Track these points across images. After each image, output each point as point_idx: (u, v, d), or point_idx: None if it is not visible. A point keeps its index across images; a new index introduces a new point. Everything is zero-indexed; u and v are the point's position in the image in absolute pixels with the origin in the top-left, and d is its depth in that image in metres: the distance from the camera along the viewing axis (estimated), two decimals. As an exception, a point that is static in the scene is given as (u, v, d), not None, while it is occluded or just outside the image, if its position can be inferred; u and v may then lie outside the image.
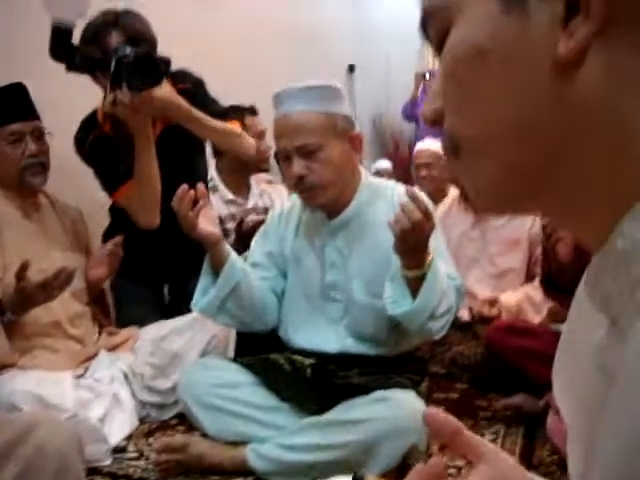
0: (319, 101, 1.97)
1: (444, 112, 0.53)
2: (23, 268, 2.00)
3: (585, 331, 0.54)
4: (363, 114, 5.69)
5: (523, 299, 2.70)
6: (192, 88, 2.48)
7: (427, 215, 1.71)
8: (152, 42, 2.38)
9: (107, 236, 2.66)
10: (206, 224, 1.96)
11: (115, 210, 2.68)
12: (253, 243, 2.27)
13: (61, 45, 2.20)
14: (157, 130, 2.47)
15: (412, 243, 1.75)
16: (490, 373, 2.46)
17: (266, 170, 3.63)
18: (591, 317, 0.51)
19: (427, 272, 1.79)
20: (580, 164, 0.46)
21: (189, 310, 2.41)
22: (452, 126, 0.52)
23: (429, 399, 2.08)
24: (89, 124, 2.55)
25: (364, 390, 1.91)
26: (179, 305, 2.61)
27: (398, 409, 1.83)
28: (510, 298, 2.70)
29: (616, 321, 0.47)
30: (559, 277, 2.36)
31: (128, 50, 2.19)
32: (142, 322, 2.54)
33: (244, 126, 3.20)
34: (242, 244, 2.77)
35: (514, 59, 0.46)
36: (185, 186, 1.92)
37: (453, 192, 3.63)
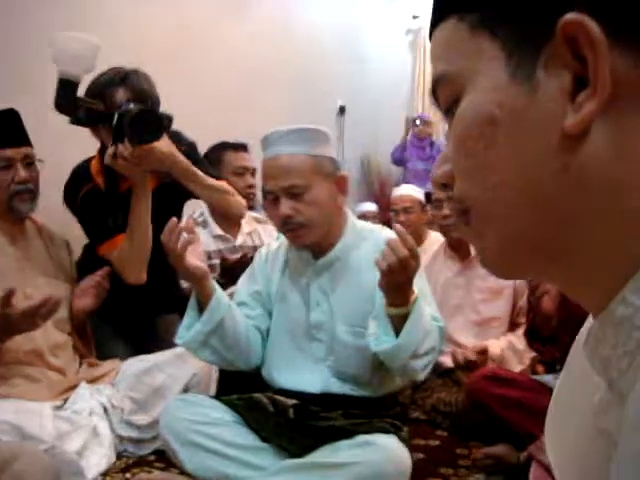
0: (306, 143, 1.99)
1: (454, 176, 0.54)
2: (9, 295, 1.98)
3: (582, 391, 0.54)
4: (351, 155, 5.74)
5: (506, 347, 2.70)
6: (185, 149, 2.52)
7: (413, 253, 1.75)
8: (156, 102, 2.43)
9: (81, 269, 2.62)
10: (193, 258, 1.96)
11: (90, 247, 2.66)
12: (240, 283, 2.28)
13: (66, 98, 2.22)
14: (151, 186, 2.49)
15: (398, 280, 1.78)
16: (471, 421, 2.46)
17: (251, 207, 3.64)
18: (589, 378, 0.52)
19: (411, 310, 1.82)
20: (587, 232, 0.47)
21: (156, 350, 2.42)
22: (461, 191, 0.53)
23: (409, 445, 2.07)
24: (81, 175, 2.55)
25: (347, 433, 1.90)
26: (147, 344, 2.59)
27: (380, 454, 1.81)
28: (496, 347, 2.70)
29: (613, 384, 0.47)
30: (543, 327, 2.38)
31: (131, 105, 2.24)
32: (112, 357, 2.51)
33: (223, 163, 3.25)
34: (226, 278, 2.77)
35: (522, 128, 0.47)
36: (175, 219, 1.94)
37: (432, 237, 3.68)
